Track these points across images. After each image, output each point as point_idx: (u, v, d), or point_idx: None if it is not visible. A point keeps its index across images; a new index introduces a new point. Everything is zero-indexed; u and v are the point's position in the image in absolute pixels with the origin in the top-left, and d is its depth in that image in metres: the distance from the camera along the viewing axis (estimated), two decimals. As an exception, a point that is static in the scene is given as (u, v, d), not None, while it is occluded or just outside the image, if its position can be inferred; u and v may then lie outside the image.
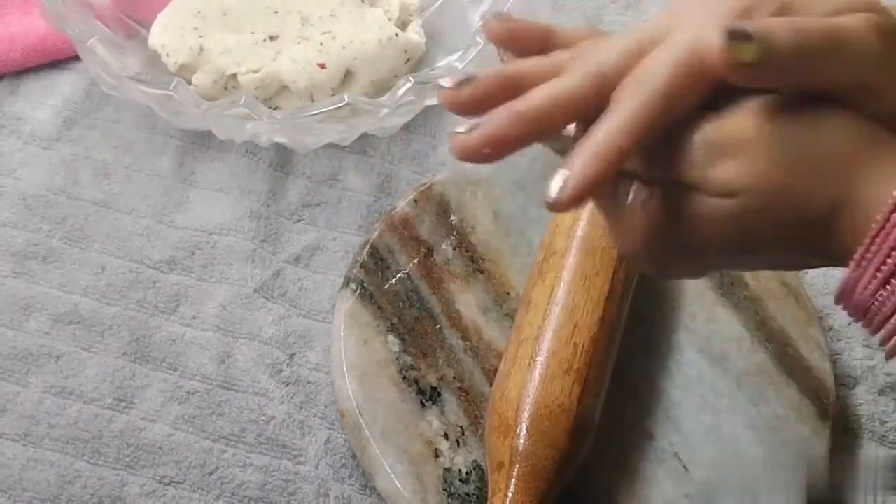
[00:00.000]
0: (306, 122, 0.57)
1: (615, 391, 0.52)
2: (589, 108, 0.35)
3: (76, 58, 0.65)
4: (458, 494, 0.51)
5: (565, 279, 0.51)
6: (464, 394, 0.54)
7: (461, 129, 0.36)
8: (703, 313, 0.57)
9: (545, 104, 0.36)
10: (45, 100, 0.64)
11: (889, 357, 0.34)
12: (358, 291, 0.55)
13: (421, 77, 0.58)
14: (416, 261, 0.57)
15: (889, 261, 0.33)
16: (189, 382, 0.55)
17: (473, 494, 0.51)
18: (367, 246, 0.57)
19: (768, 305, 0.57)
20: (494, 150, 0.36)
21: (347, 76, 0.62)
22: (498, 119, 0.36)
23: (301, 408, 0.55)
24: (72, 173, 0.61)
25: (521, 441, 0.47)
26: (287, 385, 0.55)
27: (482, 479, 0.51)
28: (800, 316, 0.57)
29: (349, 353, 0.53)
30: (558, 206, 0.34)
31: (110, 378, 0.55)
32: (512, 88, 0.37)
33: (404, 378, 0.53)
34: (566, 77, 0.36)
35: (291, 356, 0.56)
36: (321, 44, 0.62)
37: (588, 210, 0.53)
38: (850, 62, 0.33)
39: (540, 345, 0.50)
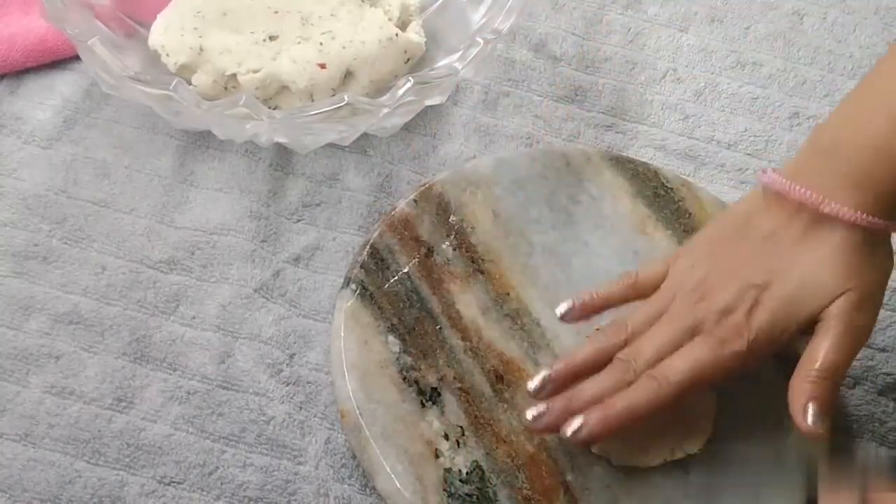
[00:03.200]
0: (306, 122, 0.57)
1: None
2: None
3: (76, 58, 0.65)
4: (459, 495, 0.51)
5: None
6: (464, 394, 0.54)
7: (531, 414, 0.51)
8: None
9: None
10: (45, 100, 0.64)
11: None
12: (358, 291, 0.55)
13: (421, 77, 0.58)
14: (416, 261, 0.57)
15: None
16: (189, 382, 0.55)
17: (473, 494, 0.51)
18: (367, 246, 0.57)
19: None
20: (554, 431, 0.51)
21: (347, 76, 0.62)
22: (557, 412, 0.51)
23: (301, 408, 0.55)
24: (72, 173, 0.61)
25: None
26: (287, 385, 0.55)
27: (482, 479, 0.51)
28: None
29: (349, 353, 0.53)
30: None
31: (110, 378, 0.55)
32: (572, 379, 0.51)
33: (404, 378, 0.53)
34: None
35: (291, 356, 0.56)
36: (321, 44, 0.62)
37: None
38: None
39: None
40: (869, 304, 0.49)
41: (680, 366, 0.49)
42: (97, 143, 0.63)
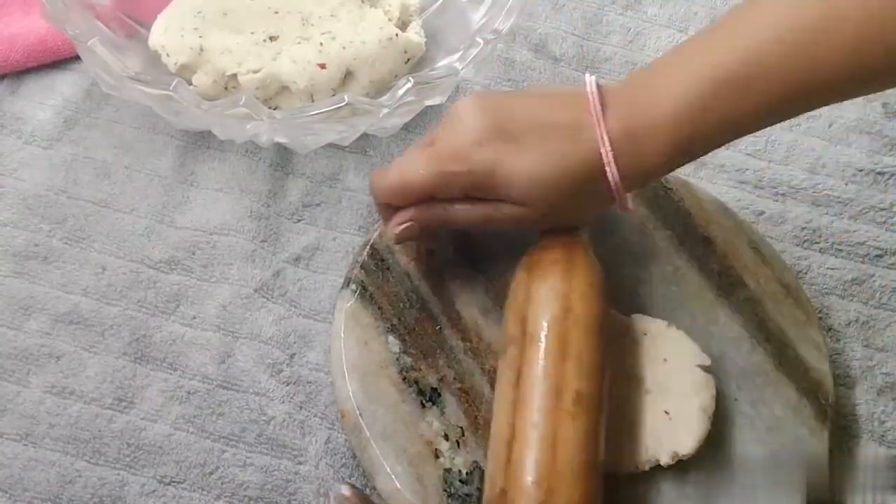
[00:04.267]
0: (306, 122, 0.57)
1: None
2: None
3: (76, 58, 0.65)
4: (458, 495, 0.51)
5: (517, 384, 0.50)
6: (464, 394, 0.54)
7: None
8: (702, 314, 0.57)
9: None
10: (45, 100, 0.64)
11: None
12: (358, 292, 0.55)
13: (421, 77, 0.58)
14: (416, 261, 0.57)
15: None
16: (189, 382, 0.55)
17: (473, 495, 0.51)
18: (368, 246, 0.57)
19: (767, 306, 0.57)
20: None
21: (347, 76, 0.62)
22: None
23: (301, 408, 0.55)
24: (72, 173, 0.62)
25: None
26: (287, 385, 0.55)
27: (482, 479, 0.51)
28: (799, 317, 0.57)
29: (349, 353, 0.53)
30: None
31: (111, 378, 0.55)
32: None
33: (404, 379, 0.53)
34: None
35: (292, 356, 0.56)
36: (321, 44, 0.62)
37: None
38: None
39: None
40: (539, 223, 0.52)
41: (395, 169, 0.51)
42: (97, 143, 0.63)
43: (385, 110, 0.58)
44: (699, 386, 0.53)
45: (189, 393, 0.55)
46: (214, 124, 0.59)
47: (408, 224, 0.52)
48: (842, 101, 0.49)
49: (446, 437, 0.52)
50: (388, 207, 0.53)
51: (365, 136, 0.61)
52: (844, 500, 0.51)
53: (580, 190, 0.50)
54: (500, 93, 0.53)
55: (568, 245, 0.52)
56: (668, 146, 0.48)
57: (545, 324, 0.49)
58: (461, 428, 0.53)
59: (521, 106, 0.51)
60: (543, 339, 0.49)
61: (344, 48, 0.62)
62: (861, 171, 0.66)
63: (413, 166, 0.51)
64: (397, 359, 0.54)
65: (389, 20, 0.64)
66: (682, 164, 0.50)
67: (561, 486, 0.45)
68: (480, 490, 0.51)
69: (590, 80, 0.50)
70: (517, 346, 0.50)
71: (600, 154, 0.48)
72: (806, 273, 0.62)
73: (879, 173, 0.66)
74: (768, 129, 0.68)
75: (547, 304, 0.50)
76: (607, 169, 0.48)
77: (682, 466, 0.52)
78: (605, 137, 0.48)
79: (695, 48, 0.49)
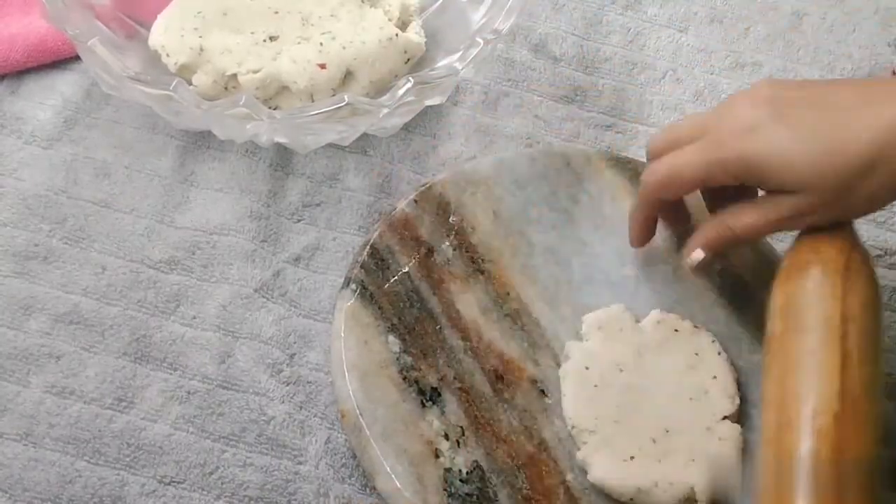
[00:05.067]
0: (306, 122, 0.57)
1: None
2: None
3: (76, 58, 0.65)
4: (459, 495, 0.51)
5: (786, 366, 0.46)
6: (464, 394, 0.54)
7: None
8: (702, 314, 0.57)
9: None
10: (45, 100, 0.64)
11: None
12: (358, 291, 0.55)
13: (421, 77, 0.58)
14: (416, 261, 0.57)
15: None
16: (189, 382, 0.55)
17: (473, 494, 0.51)
18: (368, 246, 0.57)
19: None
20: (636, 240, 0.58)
21: (347, 76, 0.62)
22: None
23: (301, 408, 0.55)
24: (72, 173, 0.62)
25: None
26: (287, 385, 0.55)
27: (482, 479, 0.51)
28: (800, 316, 0.57)
29: (349, 353, 0.53)
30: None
31: (111, 378, 0.55)
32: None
33: (404, 378, 0.53)
34: None
35: (292, 356, 0.56)
36: (321, 44, 0.62)
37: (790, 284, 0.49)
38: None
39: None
40: (822, 214, 0.48)
41: (666, 162, 0.52)
42: (97, 143, 0.63)
43: (385, 110, 0.58)
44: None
45: (189, 393, 0.55)
46: (214, 124, 0.59)
47: (699, 252, 0.52)
48: None
49: (446, 437, 0.52)
50: (654, 206, 0.54)
51: (365, 136, 0.61)
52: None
53: (864, 174, 0.46)
54: (790, 81, 0.52)
55: (840, 246, 0.48)
56: None
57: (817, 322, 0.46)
58: (461, 427, 0.53)
59: (807, 90, 0.49)
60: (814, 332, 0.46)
61: (344, 48, 0.62)
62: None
63: (683, 158, 0.51)
64: (397, 358, 0.54)
65: (389, 20, 0.64)
66: None
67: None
68: (481, 489, 0.51)
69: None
70: (778, 338, 0.47)
71: (887, 133, 0.45)
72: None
73: (879, 173, 0.66)
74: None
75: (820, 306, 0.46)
76: None
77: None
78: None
79: None
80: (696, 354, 0.55)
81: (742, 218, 0.50)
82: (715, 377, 0.54)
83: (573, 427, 0.53)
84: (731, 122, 0.49)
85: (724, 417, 0.53)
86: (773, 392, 0.46)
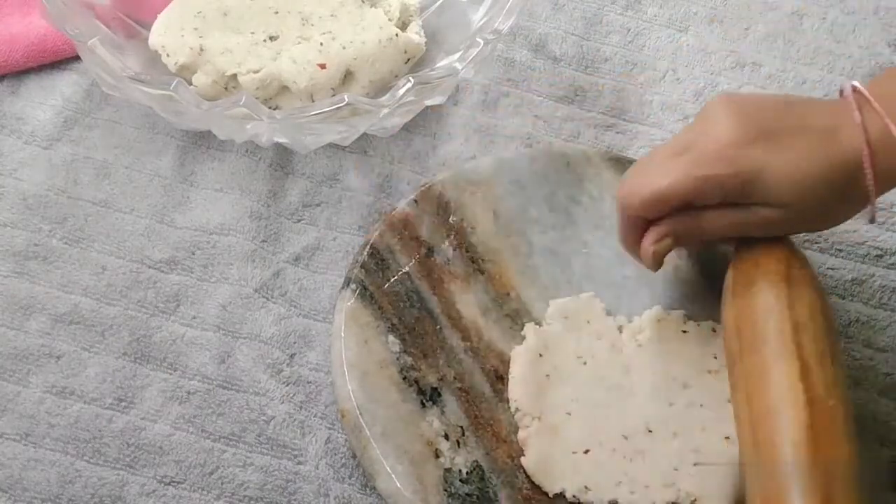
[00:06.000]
0: (306, 122, 0.57)
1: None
2: None
3: (76, 58, 0.65)
4: (459, 494, 0.51)
5: (750, 385, 0.47)
6: (464, 394, 0.54)
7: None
8: (703, 314, 0.57)
9: None
10: (45, 100, 0.64)
11: None
12: (358, 291, 0.55)
13: (421, 77, 0.58)
14: (416, 261, 0.57)
15: None
16: (189, 382, 0.55)
17: (473, 494, 0.51)
18: (368, 246, 0.57)
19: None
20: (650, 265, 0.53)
21: (347, 76, 0.62)
22: None
23: (301, 408, 0.55)
24: (72, 173, 0.62)
25: None
26: (287, 385, 0.55)
27: (482, 479, 0.51)
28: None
29: (349, 353, 0.53)
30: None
31: (111, 378, 0.55)
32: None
33: (405, 378, 0.53)
34: None
35: (292, 356, 0.56)
36: (321, 44, 0.62)
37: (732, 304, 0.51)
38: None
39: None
40: (794, 228, 0.50)
41: (653, 179, 0.50)
42: (97, 143, 0.63)
43: (385, 110, 0.58)
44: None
45: (189, 393, 0.55)
46: (214, 124, 0.59)
47: (665, 240, 0.51)
48: None
49: (446, 437, 0.52)
50: (636, 222, 0.52)
51: (365, 136, 0.61)
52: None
53: (838, 194, 0.48)
54: (748, 95, 0.52)
55: (778, 255, 0.50)
56: None
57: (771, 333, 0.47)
58: (461, 427, 0.53)
59: (776, 108, 0.50)
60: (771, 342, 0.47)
61: (344, 48, 0.62)
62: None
63: (671, 174, 0.49)
64: (397, 358, 0.54)
65: (389, 20, 0.64)
66: None
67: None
68: (481, 489, 0.51)
69: (847, 85, 0.49)
70: (738, 358, 0.49)
71: (860, 155, 0.47)
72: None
73: (879, 173, 0.66)
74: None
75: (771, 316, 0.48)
76: (866, 170, 0.47)
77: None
78: (864, 137, 0.47)
79: None
80: (715, 357, 0.55)
81: (713, 217, 0.50)
82: None
83: (517, 410, 0.53)
84: (717, 137, 0.49)
85: None
86: (743, 411, 0.47)
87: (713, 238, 0.52)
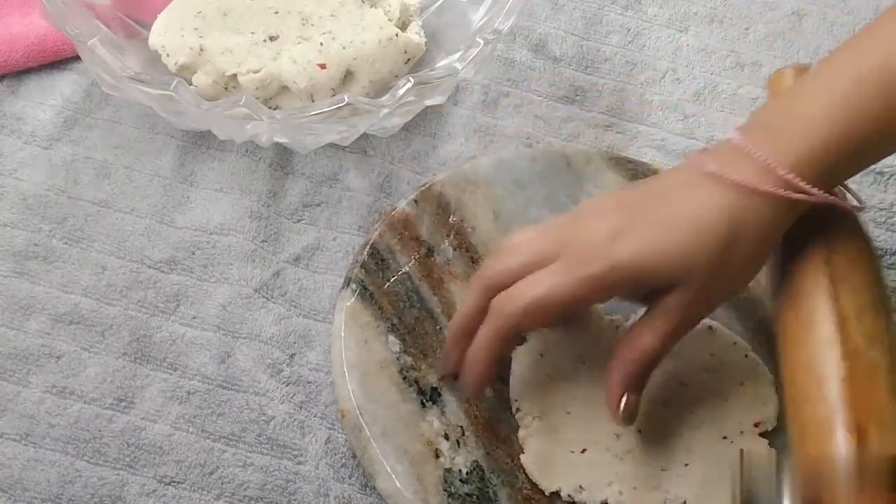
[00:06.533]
0: (306, 122, 0.57)
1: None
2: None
3: (76, 58, 0.65)
4: (459, 494, 0.51)
5: (788, 342, 0.48)
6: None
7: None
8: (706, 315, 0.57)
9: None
10: (45, 100, 0.64)
11: None
12: (358, 291, 0.55)
13: (421, 77, 0.58)
14: (416, 261, 0.57)
15: None
16: (189, 382, 0.55)
17: (473, 494, 0.51)
18: (368, 246, 0.57)
19: (767, 306, 0.57)
20: (479, 384, 0.52)
21: (347, 76, 0.62)
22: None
23: (301, 408, 0.55)
24: (72, 173, 0.62)
25: None
26: (287, 385, 0.55)
27: (482, 479, 0.51)
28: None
29: (349, 353, 0.53)
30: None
31: (111, 378, 0.55)
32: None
33: (405, 378, 0.53)
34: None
35: (292, 356, 0.56)
36: (321, 44, 0.62)
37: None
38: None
39: None
40: (709, 300, 0.49)
41: (527, 288, 0.48)
42: (97, 143, 0.63)
43: (385, 110, 0.58)
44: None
45: (189, 393, 0.55)
46: (214, 124, 0.59)
47: (630, 398, 0.49)
48: None
49: (446, 437, 0.52)
50: (512, 340, 0.50)
51: (365, 136, 0.61)
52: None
53: (727, 247, 0.47)
54: (615, 192, 0.53)
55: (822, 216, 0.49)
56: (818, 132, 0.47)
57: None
58: (461, 427, 0.53)
59: (640, 195, 0.50)
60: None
61: (344, 48, 0.62)
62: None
63: (549, 280, 0.48)
64: (397, 358, 0.54)
65: (389, 20, 0.64)
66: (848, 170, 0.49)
67: None
68: (481, 489, 0.51)
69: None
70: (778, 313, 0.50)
71: (727, 198, 0.47)
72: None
73: (879, 173, 0.66)
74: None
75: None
76: (752, 154, 0.47)
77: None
78: (718, 162, 0.48)
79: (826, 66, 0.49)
80: (712, 355, 0.55)
81: (639, 345, 0.48)
82: (742, 383, 0.54)
83: (518, 410, 0.53)
84: (590, 235, 0.48)
85: (756, 425, 0.53)
86: (786, 369, 0.48)
87: (660, 358, 0.49)
